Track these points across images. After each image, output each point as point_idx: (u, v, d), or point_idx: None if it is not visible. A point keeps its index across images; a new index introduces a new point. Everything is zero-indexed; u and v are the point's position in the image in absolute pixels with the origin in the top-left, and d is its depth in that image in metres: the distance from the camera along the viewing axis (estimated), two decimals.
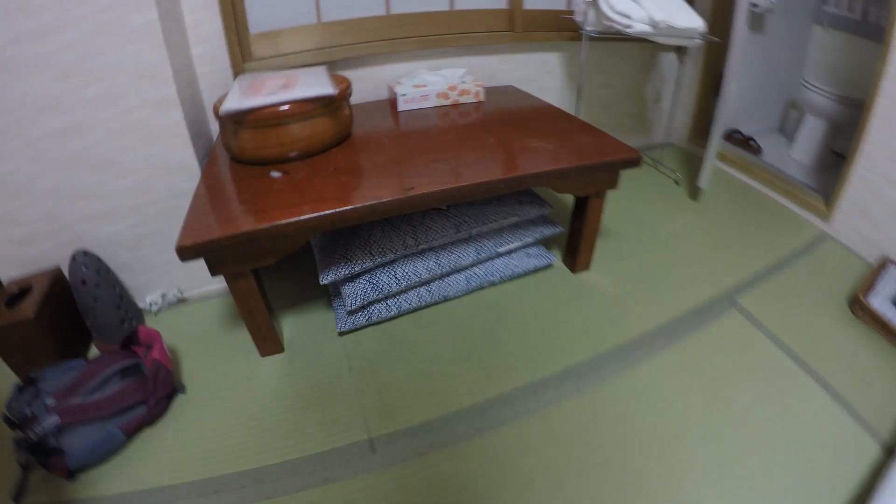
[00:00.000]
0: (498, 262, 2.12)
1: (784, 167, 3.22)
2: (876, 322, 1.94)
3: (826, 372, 1.74)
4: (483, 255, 2.02)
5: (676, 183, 3.10)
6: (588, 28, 2.51)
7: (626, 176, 2.96)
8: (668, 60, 3.33)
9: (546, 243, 2.40)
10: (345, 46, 2.39)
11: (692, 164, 3.31)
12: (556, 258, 2.28)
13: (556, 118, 2.20)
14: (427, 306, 2.02)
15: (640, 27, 2.33)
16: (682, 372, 1.74)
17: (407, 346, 1.85)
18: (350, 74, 2.44)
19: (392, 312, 1.92)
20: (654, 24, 2.34)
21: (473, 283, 2.05)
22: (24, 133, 1.59)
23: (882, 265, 2.20)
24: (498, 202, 2.09)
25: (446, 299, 2.05)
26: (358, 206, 1.51)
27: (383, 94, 2.56)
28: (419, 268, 1.92)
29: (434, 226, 1.96)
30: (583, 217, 2.05)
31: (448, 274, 2.03)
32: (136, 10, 1.56)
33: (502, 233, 2.09)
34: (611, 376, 1.72)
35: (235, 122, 1.70)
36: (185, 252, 1.37)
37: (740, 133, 3.54)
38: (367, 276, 1.86)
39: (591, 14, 2.48)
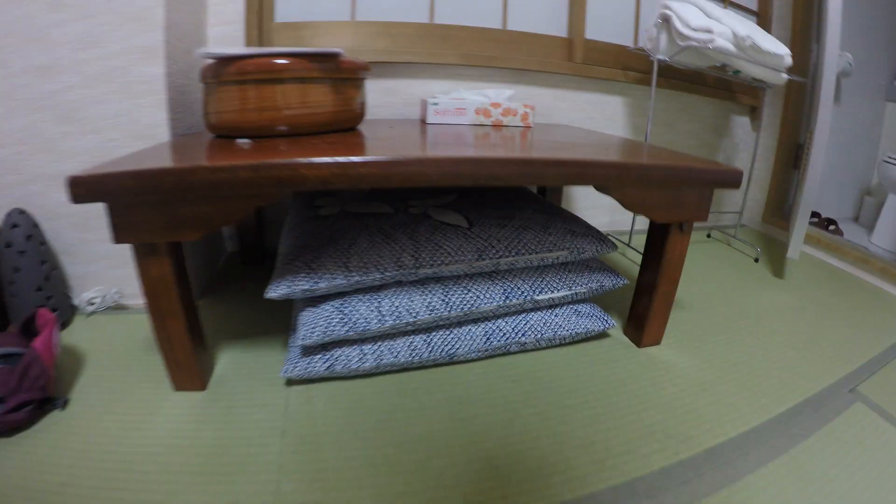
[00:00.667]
0: (535, 315, 1.47)
1: (871, 250, 2.78)
2: None
3: None
4: (514, 299, 1.38)
5: (756, 260, 2.52)
6: (659, 56, 2.07)
7: (695, 251, 2.55)
8: (741, 126, 2.84)
9: (602, 303, 1.81)
10: (376, 51, 1.97)
11: (771, 245, 2.77)
12: (615, 324, 1.64)
13: (625, 144, 1.66)
14: (422, 366, 1.37)
15: (721, 42, 1.87)
16: (805, 487, 1.08)
17: (376, 417, 1.19)
18: (378, 85, 2.02)
19: (367, 364, 1.27)
20: (737, 39, 1.89)
21: (496, 342, 1.38)
22: (6, 64, 1.38)
23: None
24: (542, 229, 1.49)
25: (452, 360, 1.38)
26: (322, 160, 0.98)
27: (415, 114, 2.09)
28: (416, 303, 1.28)
29: (446, 245, 1.33)
30: (659, 261, 1.44)
31: (459, 321, 1.39)
32: None
33: (544, 274, 1.46)
34: (702, 495, 1.05)
35: (215, 75, 1.26)
36: (78, 187, 0.90)
37: (818, 215, 3.05)
38: (336, 302, 1.25)
39: (664, 37, 2.04)
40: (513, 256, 1.37)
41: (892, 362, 1.70)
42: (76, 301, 1.58)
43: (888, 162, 2.89)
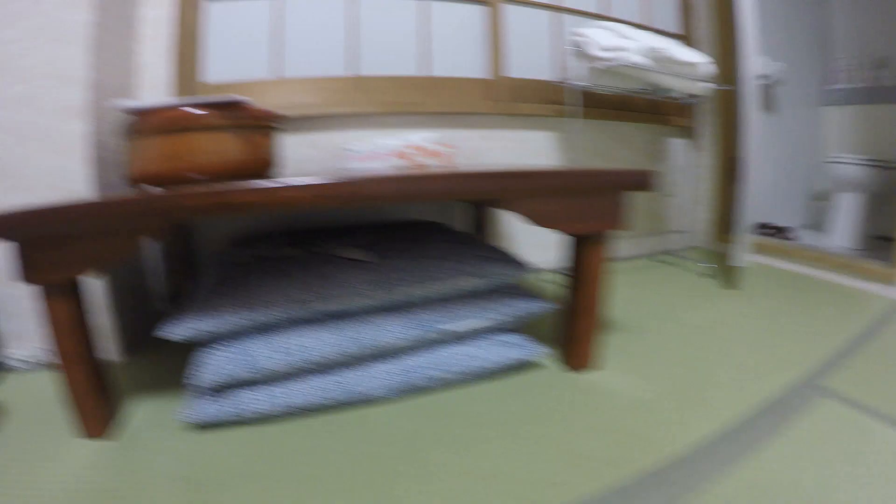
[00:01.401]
0: (452, 350, 1.30)
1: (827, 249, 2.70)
2: None
3: None
4: (425, 331, 1.23)
5: (708, 276, 2.38)
6: (578, 83, 2.02)
7: (644, 275, 2.40)
8: (680, 148, 2.75)
9: (541, 332, 1.61)
10: (302, 105, 1.90)
11: (724, 261, 2.63)
12: (546, 350, 1.44)
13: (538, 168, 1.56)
14: (335, 407, 1.21)
15: (634, 58, 1.82)
16: (768, 493, 0.94)
17: (281, 463, 1.04)
18: (305, 139, 1.95)
19: (277, 406, 1.13)
20: (650, 52, 1.84)
21: (409, 378, 1.23)
22: None
23: None
24: (455, 258, 1.37)
25: (367, 400, 1.22)
26: (199, 191, 0.93)
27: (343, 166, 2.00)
28: (324, 342, 1.15)
29: (353, 281, 1.23)
30: (579, 276, 1.29)
31: (372, 357, 1.23)
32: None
33: (458, 304, 1.31)
34: None
35: (130, 129, 1.26)
36: None
37: (770, 225, 2.95)
38: (241, 343, 1.13)
39: (579, 64, 1.99)
40: (421, 285, 1.24)
41: (857, 352, 1.59)
42: (6, 358, 1.45)
43: (834, 162, 2.84)
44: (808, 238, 2.96)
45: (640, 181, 1.22)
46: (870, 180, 2.70)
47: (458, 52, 2.16)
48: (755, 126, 2.02)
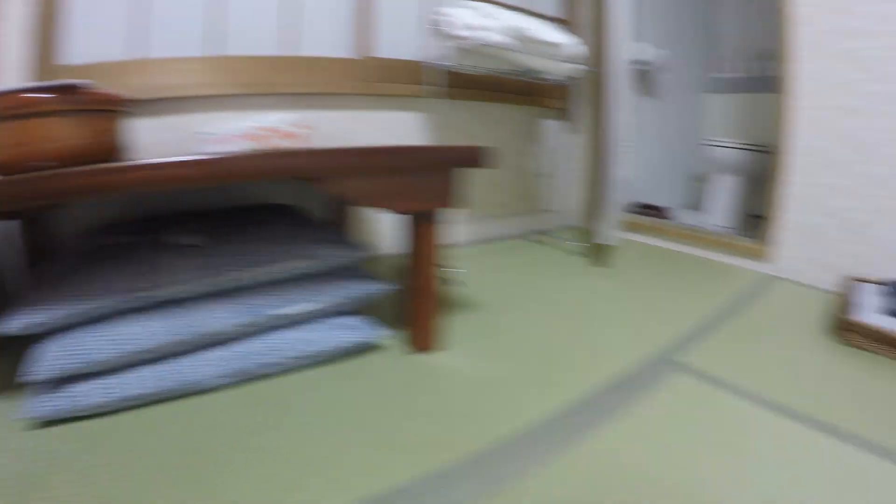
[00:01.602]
0: (288, 334, 1.25)
1: (701, 227, 2.80)
2: (879, 339, 1.53)
3: (844, 419, 1.14)
4: (253, 317, 1.17)
5: (578, 256, 2.41)
6: (442, 63, 1.99)
7: (515, 255, 2.39)
8: (556, 129, 2.79)
9: (380, 314, 1.50)
10: (161, 87, 1.79)
11: (595, 241, 2.71)
12: (388, 333, 1.42)
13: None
14: (172, 396, 1.13)
15: (495, 37, 1.80)
16: (603, 473, 0.93)
17: (113, 456, 0.97)
18: (162, 123, 1.85)
19: (112, 398, 1.05)
20: (513, 31, 1.82)
21: (244, 365, 1.17)
22: None
23: (849, 285, 1.97)
24: (289, 240, 1.31)
25: (203, 389, 1.15)
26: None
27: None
28: (154, 331, 1.08)
29: (183, 266, 1.17)
30: (414, 256, 1.27)
31: (203, 346, 1.17)
32: None
33: (292, 288, 1.25)
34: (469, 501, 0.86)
35: None
36: None
37: (649, 205, 3.03)
38: (71, 334, 1.05)
39: (442, 43, 1.96)
40: (251, 270, 1.19)
41: (718, 326, 1.63)
42: None
43: (711, 145, 2.97)
44: (686, 217, 3.06)
45: (470, 158, 1.20)
46: (745, 163, 2.83)
47: (327, 32, 2.09)
48: (624, 109, 2.06)
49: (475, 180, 2.50)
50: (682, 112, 3.42)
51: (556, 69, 2.06)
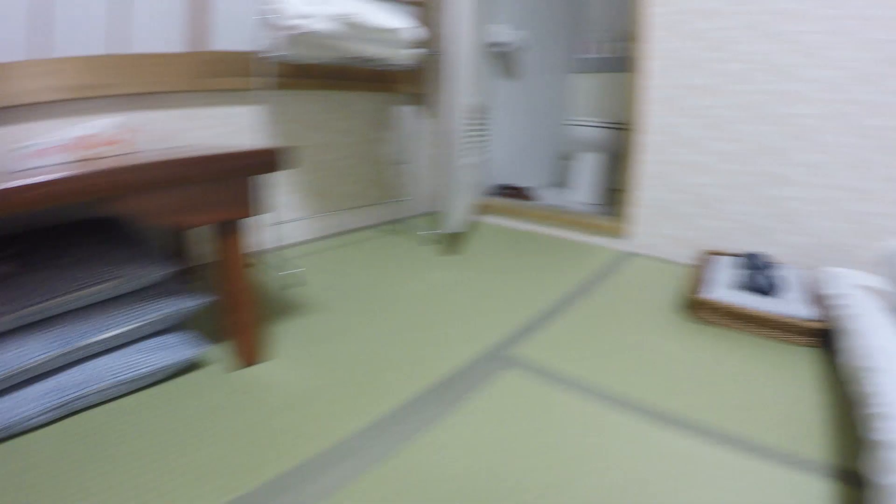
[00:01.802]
0: (103, 362, 1.13)
1: (561, 207, 2.85)
2: (728, 314, 1.60)
3: (686, 406, 1.17)
4: (65, 347, 1.05)
5: (431, 245, 2.36)
6: (279, 54, 1.89)
7: (365, 247, 2.28)
8: (410, 115, 2.70)
9: (203, 329, 1.38)
10: None
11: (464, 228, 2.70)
12: (210, 347, 1.33)
13: (188, 151, 1.37)
14: None
15: (320, 25, 1.71)
16: (421, 483, 0.88)
17: None
18: None
19: None
20: (341, 18, 1.74)
21: (60, 399, 1.05)
22: None
23: (704, 259, 2.03)
24: (100, 262, 1.17)
25: (24, 429, 1.02)
26: None
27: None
28: None
29: None
30: (223, 269, 1.18)
31: (22, 383, 1.03)
32: None
33: (104, 312, 1.13)
34: None
35: None
36: None
37: (511, 186, 3.05)
38: None
39: (271, 33, 1.86)
40: (61, 297, 1.06)
41: (560, 313, 1.63)
42: None
43: (573, 124, 3.02)
44: (549, 196, 3.12)
45: (267, 162, 1.13)
46: (608, 141, 2.90)
47: (159, 26, 1.93)
48: (470, 93, 2.04)
49: (322, 173, 2.39)
50: (548, 92, 3.47)
51: (393, 55, 1.99)
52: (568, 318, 1.60)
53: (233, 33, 2.03)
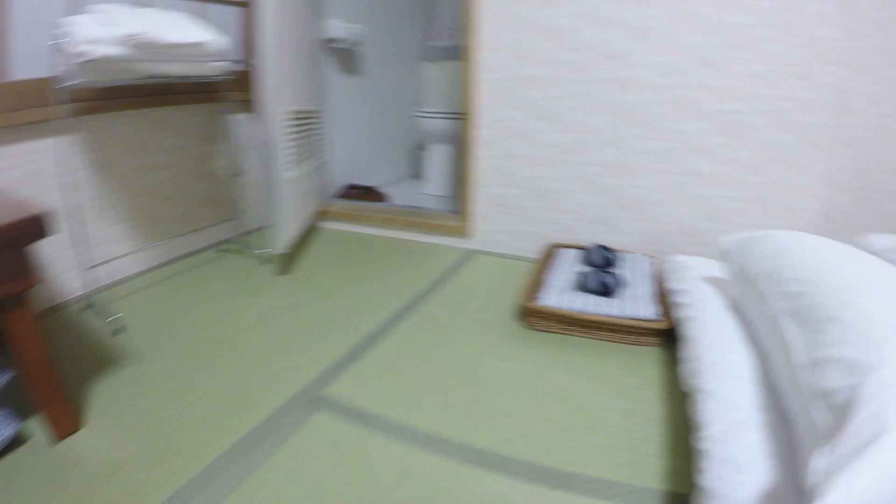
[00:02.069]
0: None
1: (417, 204, 2.84)
2: (565, 322, 1.59)
3: (516, 441, 1.14)
4: None
5: (264, 264, 2.22)
6: (68, 82, 1.69)
7: (190, 278, 2.07)
8: (243, 124, 2.55)
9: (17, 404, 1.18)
10: None
11: (303, 240, 2.54)
12: (27, 423, 1.20)
13: None
14: None
15: (106, 50, 1.56)
16: None
17: None
18: None
19: None
20: (128, 39, 1.59)
21: None
22: None
23: (548, 254, 2.03)
24: None
25: None
26: None
27: None
28: None
29: None
30: (15, 346, 1.05)
31: None
32: None
33: None
34: None
35: None
36: None
37: (357, 186, 2.97)
38: None
39: (65, 59, 1.68)
40: None
41: (382, 338, 1.58)
42: None
43: (420, 116, 3.02)
44: (402, 192, 3.12)
45: (27, 234, 1.00)
46: (455, 132, 2.84)
47: None
48: (283, 100, 1.97)
49: (147, 198, 2.18)
50: (398, 83, 3.43)
51: (199, 70, 1.86)
52: (392, 342, 1.56)
53: (32, 60, 1.78)
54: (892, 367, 0.70)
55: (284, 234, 2.01)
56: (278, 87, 1.91)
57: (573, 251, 2.05)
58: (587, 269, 1.83)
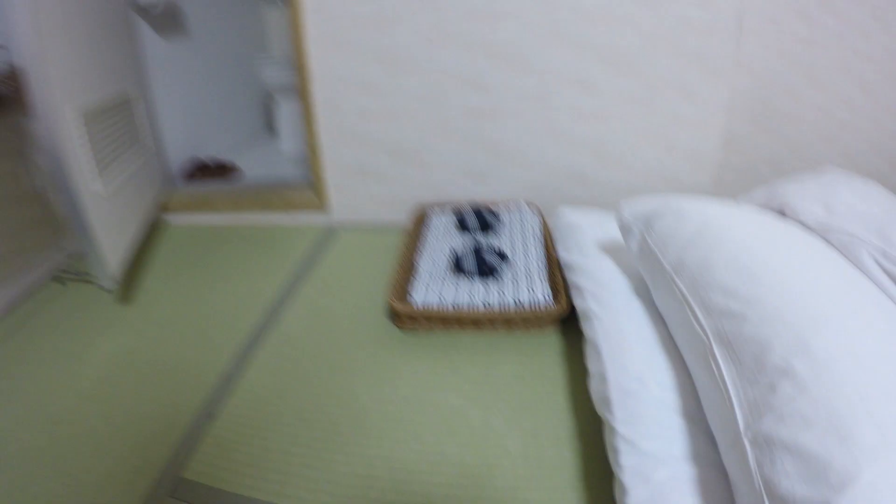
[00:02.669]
0: None
1: (272, 169, 2.52)
2: (429, 318, 1.34)
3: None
4: None
5: (104, 290, 1.64)
6: None
7: (15, 332, 1.53)
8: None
9: None
10: None
11: (144, 247, 2.03)
12: None
13: None
14: None
15: None
16: None
17: None
18: None
19: None
20: None
21: None
22: None
23: (419, 220, 1.81)
24: None
25: None
26: None
27: None
28: None
29: None
30: None
31: None
32: None
33: None
34: None
35: None
36: None
37: (203, 162, 2.51)
38: None
39: None
40: None
41: (237, 380, 1.27)
42: None
43: (261, 67, 2.64)
44: (262, 150, 2.82)
45: None
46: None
47: None
48: (80, 89, 1.53)
49: None
50: (235, 35, 2.92)
51: None
52: (252, 382, 1.26)
53: None
54: (871, 479, 0.52)
55: (111, 257, 1.60)
56: (58, 78, 1.42)
57: (447, 217, 1.76)
58: (464, 238, 1.56)
